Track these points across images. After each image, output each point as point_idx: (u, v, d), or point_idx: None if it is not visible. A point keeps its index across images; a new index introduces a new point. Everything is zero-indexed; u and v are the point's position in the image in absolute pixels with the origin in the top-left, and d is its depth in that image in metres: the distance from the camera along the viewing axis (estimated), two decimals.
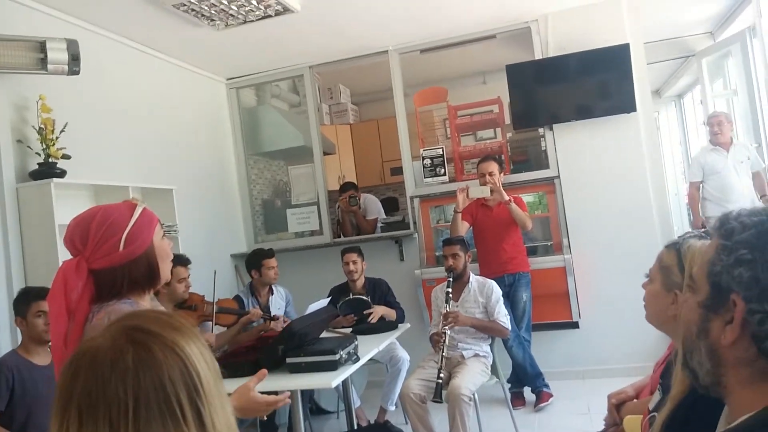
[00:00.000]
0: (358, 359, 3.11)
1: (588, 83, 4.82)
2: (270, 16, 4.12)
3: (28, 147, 3.44)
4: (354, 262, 4.42)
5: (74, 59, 3.40)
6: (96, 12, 3.87)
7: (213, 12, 3.94)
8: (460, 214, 4.46)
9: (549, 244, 5.14)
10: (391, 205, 6.60)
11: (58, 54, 3.33)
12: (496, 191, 4.43)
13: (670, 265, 1.53)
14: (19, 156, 3.44)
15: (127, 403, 0.67)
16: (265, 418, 3.75)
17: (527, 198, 5.11)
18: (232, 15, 4.04)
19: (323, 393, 4.61)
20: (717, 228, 0.91)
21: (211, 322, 3.77)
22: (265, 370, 1.80)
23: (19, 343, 2.85)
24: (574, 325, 4.86)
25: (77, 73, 3.44)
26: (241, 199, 5.77)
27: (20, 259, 3.33)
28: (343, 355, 2.98)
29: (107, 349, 0.72)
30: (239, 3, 3.86)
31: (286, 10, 4.04)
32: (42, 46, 3.28)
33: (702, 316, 0.91)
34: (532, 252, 4.96)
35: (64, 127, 3.47)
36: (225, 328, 3.88)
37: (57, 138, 3.45)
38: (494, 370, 3.78)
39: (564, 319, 4.85)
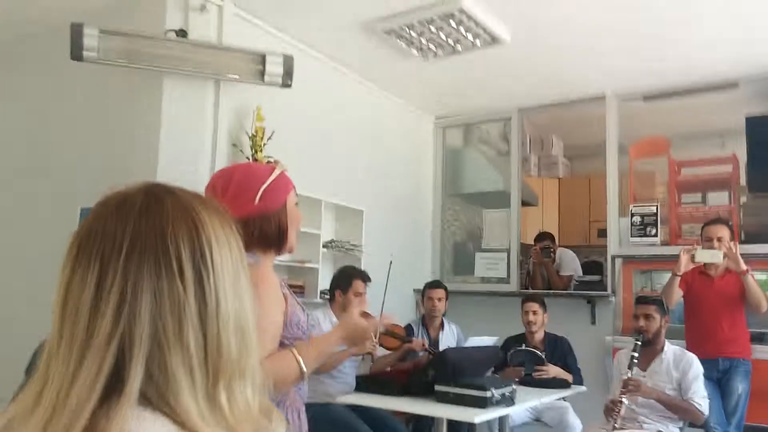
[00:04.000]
0: (512, 404, 2.79)
1: None
2: (478, 47, 4.08)
3: (240, 151, 3.75)
4: (534, 312, 4.06)
5: (288, 74, 3.69)
6: (311, 33, 4.14)
7: (422, 41, 4.02)
8: (678, 278, 3.84)
9: None
10: (593, 269, 6.03)
11: (274, 67, 3.64)
12: (732, 259, 3.74)
13: None
14: (231, 158, 3.77)
15: (122, 243, 0.67)
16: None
17: (758, 276, 4.28)
18: (439, 44, 4.08)
19: None
20: None
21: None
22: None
23: None
24: None
25: (289, 86, 3.72)
26: (432, 236, 5.74)
27: None
28: (496, 395, 2.70)
29: (120, 195, 0.71)
30: (447, 31, 3.88)
31: (494, 40, 3.97)
32: (262, 59, 3.61)
33: None
34: (757, 339, 4.11)
35: (272, 135, 3.73)
36: (388, 352, 3.77)
37: (265, 144, 3.72)
38: None
39: None
